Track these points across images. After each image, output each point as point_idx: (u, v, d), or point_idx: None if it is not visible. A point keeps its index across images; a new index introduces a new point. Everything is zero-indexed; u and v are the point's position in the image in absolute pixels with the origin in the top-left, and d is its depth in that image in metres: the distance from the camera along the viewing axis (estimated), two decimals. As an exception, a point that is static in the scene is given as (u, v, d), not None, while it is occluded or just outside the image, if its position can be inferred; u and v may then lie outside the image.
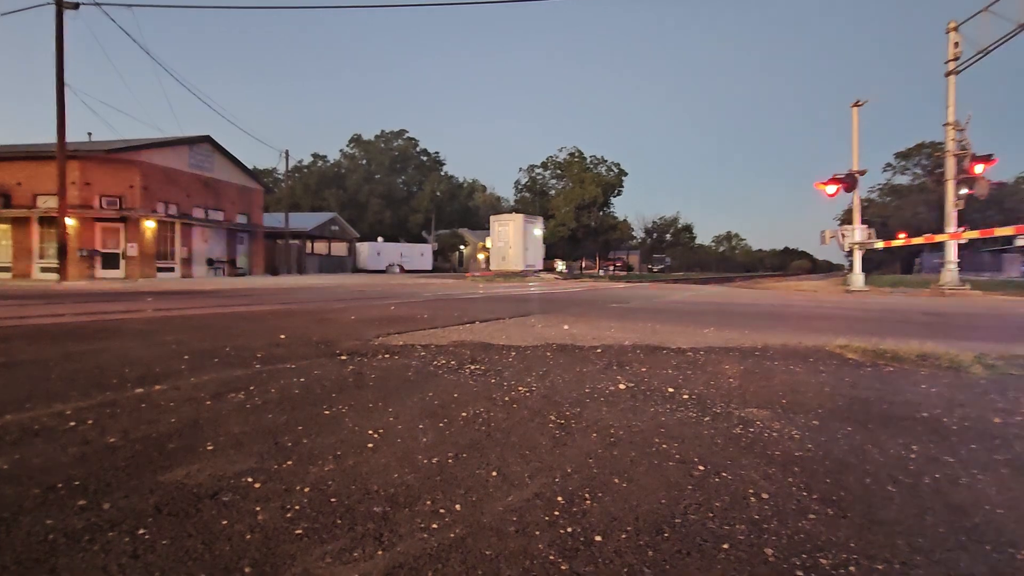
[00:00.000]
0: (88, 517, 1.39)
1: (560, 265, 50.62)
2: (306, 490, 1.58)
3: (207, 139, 28.75)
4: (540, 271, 33.31)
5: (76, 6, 18.10)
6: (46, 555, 1.22)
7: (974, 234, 14.33)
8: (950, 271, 14.65)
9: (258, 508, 1.47)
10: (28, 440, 1.94)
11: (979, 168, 14.00)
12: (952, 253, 14.76)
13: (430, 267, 50.14)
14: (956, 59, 15.02)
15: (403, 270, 46.12)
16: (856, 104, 16.92)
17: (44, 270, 22.95)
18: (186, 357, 3.53)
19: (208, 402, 2.46)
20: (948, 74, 15.14)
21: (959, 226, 14.64)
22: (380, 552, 1.27)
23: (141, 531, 1.33)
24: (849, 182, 16.32)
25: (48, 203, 22.45)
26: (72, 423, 2.13)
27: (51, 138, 18.67)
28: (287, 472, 1.71)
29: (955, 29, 15.06)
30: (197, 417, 2.24)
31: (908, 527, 1.44)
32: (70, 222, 20.58)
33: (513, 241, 31.70)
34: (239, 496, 1.53)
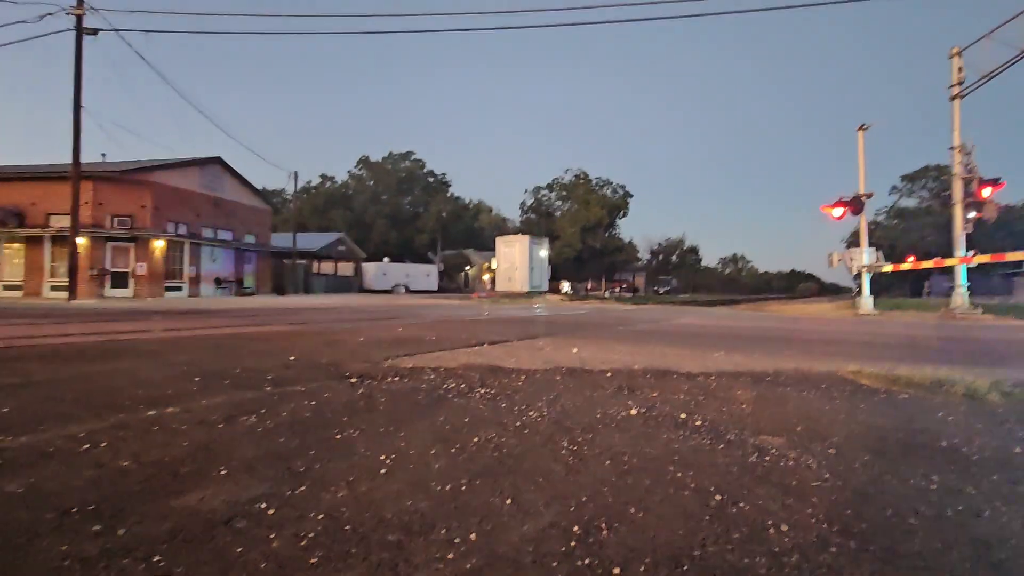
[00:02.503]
0: (103, 543, 1.39)
1: (565, 286, 50.65)
2: (320, 517, 1.57)
3: (217, 160, 29.26)
4: (546, 292, 33.34)
5: (95, 32, 18.65)
6: (61, 582, 1.21)
7: (985, 258, 14.25)
8: (960, 295, 14.55)
9: (272, 535, 1.45)
10: (43, 463, 1.94)
11: (987, 191, 14.00)
12: (962, 277, 14.68)
13: (436, 287, 50.28)
14: (960, 83, 15.15)
15: (409, 290, 46.26)
16: (862, 128, 17.04)
17: (54, 288, 23.19)
18: (197, 378, 3.54)
19: (220, 425, 2.46)
20: (952, 98, 15.26)
21: (968, 249, 14.58)
22: (396, 583, 1.25)
23: (156, 558, 1.32)
24: (856, 205, 16.34)
25: (61, 223, 22.78)
26: (86, 445, 2.13)
27: (64, 158, 19.06)
28: (300, 498, 1.70)
29: (958, 54, 15.23)
30: (209, 441, 2.23)
31: (932, 561, 1.41)
32: (81, 241, 20.86)
33: (519, 262, 31.84)
34: (253, 522, 1.52)
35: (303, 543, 1.42)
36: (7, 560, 1.30)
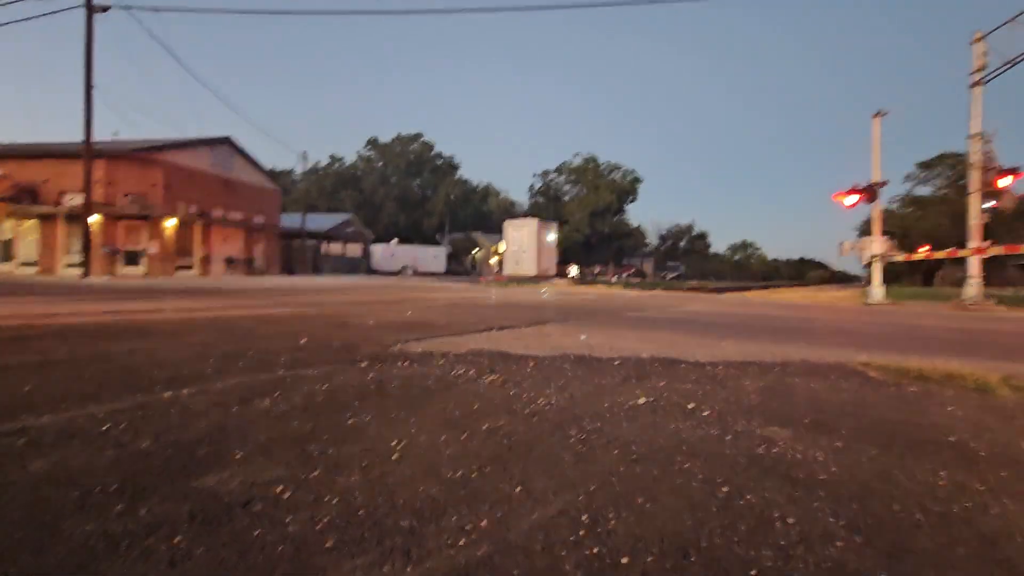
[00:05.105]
0: (126, 523, 1.43)
1: (573, 271, 50.54)
2: (334, 501, 1.61)
3: (227, 140, 29.30)
4: (553, 276, 33.31)
5: (105, 9, 18.58)
6: (88, 560, 1.26)
7: (999, 249, 14.04)
8: (973, 286, 14.37)
9: (288, 518, 1.49)
10: (65, 442, 1.99)
11: (1005, 181, 13.74)
12: (976, 267, 14.48)
13: (443, 270, 50.38)
14: (982, 70, 14.77)
15: (416, 272, 46.39)
16: (878, 115, 16.69)
17: (68, 266, 23.48)
18: (211, 360, 3.59)
19: (235, 408, 2.51)
20: (973, 85, 14.88)
21: (984, 240, 14.36)
22: (409, 568, 1.29)
23: (177, 538, 1.37)
24: (869, 193, 16.09)
25: (74, 201, 22.97)
26: (106, 426, 2.18)
27: (76, 136, 19.14)
28: (315, 482, 1.74)
29: (981, 39, 14.82)
30: (225, 423, 2.28)
31: (938, 557, 1.42)
32: (94, 220, 21.03)
33: (527, 246, 31.80)
34: (270, 505, 1.56)
35: (318, 527, 1.45)
36: (36, 537, 1.35)
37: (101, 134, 24.89)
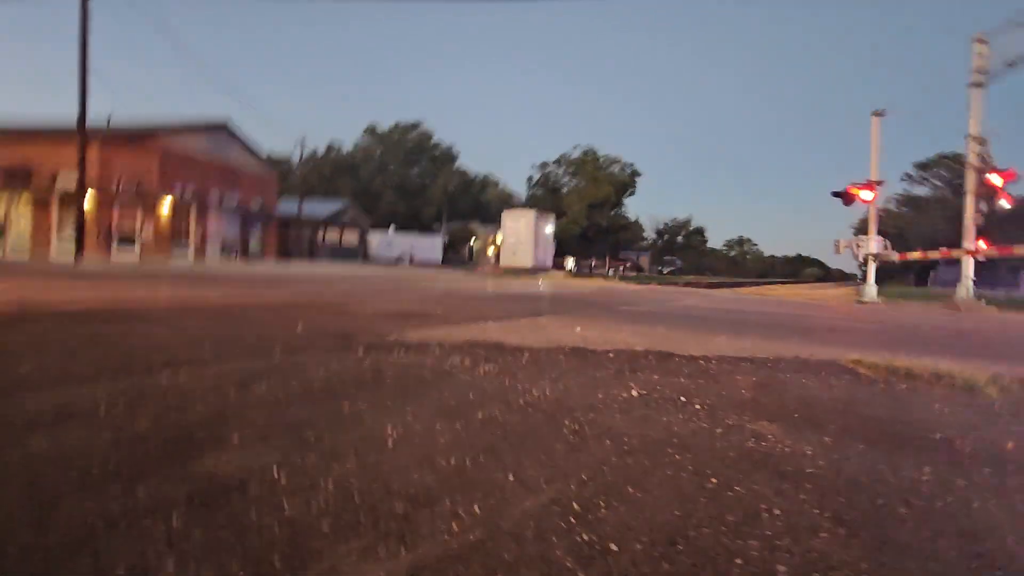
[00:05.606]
0: (124, 503, 1.45)
1: (570, 263, 50.57)
2: (330, 486, 1.63)
3: (225, 125, 29.02)
4: (550, 268, 33.35)
5: (102, -12, 18.31)
6: (87, 539, 1.28)
7: (992, 251, 14.14)
8: (966, 287, 14.48)
9: (285, 502, 1.52)
10: (64, 423, 2.01)
11: (998, 181, 13.81)
12: (969, 268, 14.59)
13: (440, 259, 50.31)
14: (981, 71, 14.78)
15: (413, 261, 46.31)
16: (877, 114, 16.71)
17: (62, 249, 23.30)
18: (208, 345, 3.61)
19: (232, 393, 2.52)
20: (972, 85, 14.90)
21: (979, 241, 14.45)
22: (403, 552, 1.31)
23: (175, 520, 1.39)
24: (866, 192, 16.14)
25: (67, 182, 22.74)
26: (104, 408, 2.20)
27: (71, 117, 18.90)
28: (311, 467, 1.76)
29: (982, 41, 14.81)
30: (223, 407, 2.30)
31: (920, 550, 1.46)
32: (88, 202, 20.86)
33: (524, 237, 31.77)
34: (266, 489, 1.59)
35: (314, 511, 1.48)
36: (37, 516, 1.37)
37: (96, 115, 24.62)
